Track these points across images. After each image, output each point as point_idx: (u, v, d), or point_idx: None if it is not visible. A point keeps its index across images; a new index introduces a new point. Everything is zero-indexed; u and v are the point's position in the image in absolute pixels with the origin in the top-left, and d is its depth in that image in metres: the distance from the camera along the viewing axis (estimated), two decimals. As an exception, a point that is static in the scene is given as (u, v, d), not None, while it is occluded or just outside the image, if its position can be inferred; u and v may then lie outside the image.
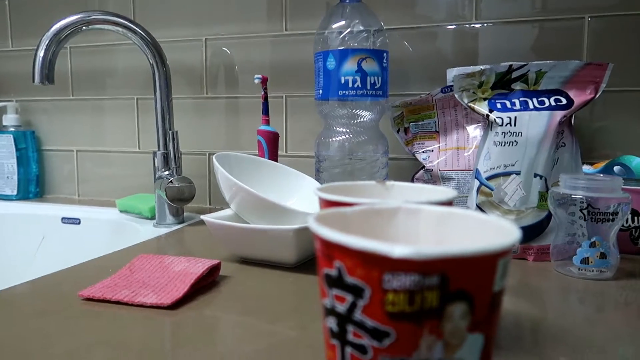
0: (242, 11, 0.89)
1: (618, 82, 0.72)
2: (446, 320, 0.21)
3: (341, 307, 0.22)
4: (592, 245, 0.52)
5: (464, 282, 0.20)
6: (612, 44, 0.73)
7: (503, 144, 0.59)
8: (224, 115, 0.93)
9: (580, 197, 0.52)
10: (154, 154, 0.79)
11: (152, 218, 0.82)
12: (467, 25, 0.78)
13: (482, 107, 0.60)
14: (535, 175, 0.58)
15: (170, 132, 0.79)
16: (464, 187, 0.66)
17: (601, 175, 0.56)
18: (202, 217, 0.58)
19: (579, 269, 0.53)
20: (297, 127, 0.88)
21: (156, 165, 0.79)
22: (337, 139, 0.69)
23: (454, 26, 0.78)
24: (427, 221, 0.29)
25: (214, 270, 0.51)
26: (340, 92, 0.66)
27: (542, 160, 0.58)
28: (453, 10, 0.78)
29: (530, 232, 0.59)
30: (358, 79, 0.66)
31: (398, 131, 0.73)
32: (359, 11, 0.68)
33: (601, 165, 0.67)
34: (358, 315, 0.21)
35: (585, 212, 0.52)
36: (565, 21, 0.74)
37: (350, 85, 0.66)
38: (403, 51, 0.80)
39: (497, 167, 0.60)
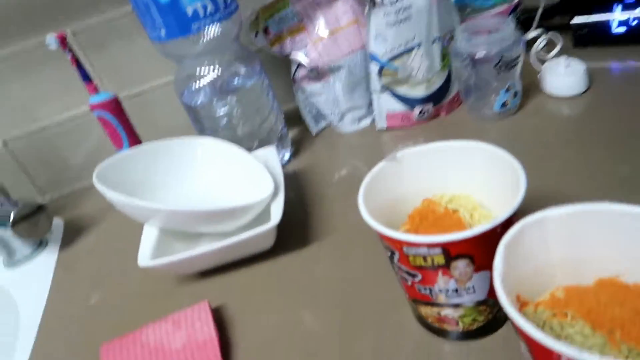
0: None
1: None
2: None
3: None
4: (507, 89, 0.56)
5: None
6: None
7: (398, 22, 0.55)
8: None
9: (485, 54, 0.53)
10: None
11: None
12: None
13: (364, -10, 0.54)
14: (434, 41, 0.57)
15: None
16: (355, 70, 0.62)
17: (494, 21, 0.56)
18: (142, 265, 0.45)
19: (498, 113, 0.58)
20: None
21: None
22: (207, 80, 0.56)
23: None
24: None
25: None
26: (194, 26, 0.52)
27: (436, 22, 0.56)
28: None
29: (440, 93, 0.61)
30: (208, 3, 0.51)
31: (256, 35, 0.62)
32: None
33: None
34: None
35: (498, 67, 0.54)
36: None
37: (201, 14, 0.51)
38: None
39: (398, 46, 0.56)
